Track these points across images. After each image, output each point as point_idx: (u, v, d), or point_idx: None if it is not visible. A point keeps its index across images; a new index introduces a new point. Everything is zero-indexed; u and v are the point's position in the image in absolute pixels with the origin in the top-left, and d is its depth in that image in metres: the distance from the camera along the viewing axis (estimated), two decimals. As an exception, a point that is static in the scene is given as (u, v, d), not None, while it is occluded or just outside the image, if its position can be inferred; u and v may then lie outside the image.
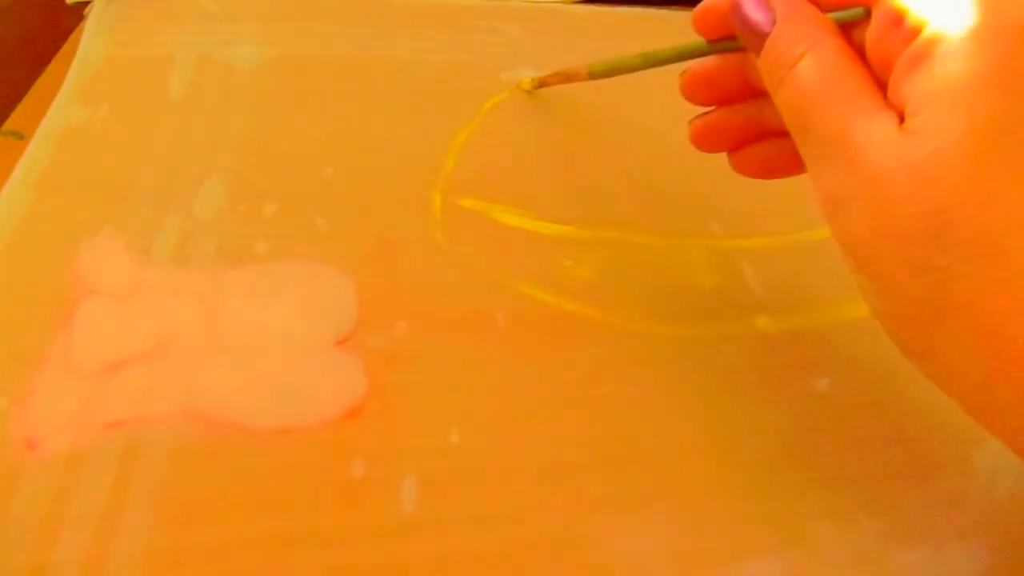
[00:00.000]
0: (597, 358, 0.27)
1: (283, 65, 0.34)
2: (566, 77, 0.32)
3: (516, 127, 0.34)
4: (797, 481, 0.24)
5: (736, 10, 0.21)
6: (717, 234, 0.31)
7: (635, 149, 0.34)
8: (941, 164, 0.16)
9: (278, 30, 0.36)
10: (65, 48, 0.36)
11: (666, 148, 0.34)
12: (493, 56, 0.36)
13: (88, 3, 0.37)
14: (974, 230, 0.16)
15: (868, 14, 0.19)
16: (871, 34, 0.19)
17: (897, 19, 0.18)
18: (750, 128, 0.24)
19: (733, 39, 0.22)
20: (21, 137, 0.31)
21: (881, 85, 0.19)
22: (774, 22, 0.20)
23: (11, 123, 0.32)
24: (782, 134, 0.22)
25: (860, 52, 0.19)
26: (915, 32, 0.17)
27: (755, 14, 0.20)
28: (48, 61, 0.35)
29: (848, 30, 0.20)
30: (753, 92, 0.24)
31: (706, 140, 0.25)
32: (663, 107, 0.35)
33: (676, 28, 0.39)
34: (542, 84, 0.34)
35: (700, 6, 0.23)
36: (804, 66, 0.19)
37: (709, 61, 0.24)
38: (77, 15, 0.37)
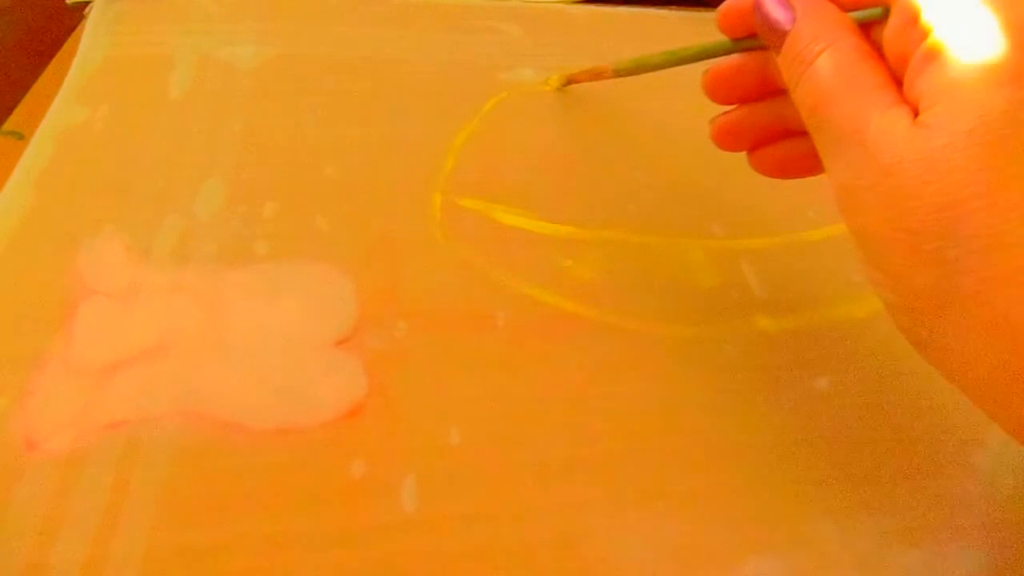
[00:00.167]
0: (597, 358, 0.27)
1: (283, 65, 0.34)
2: (594, 75, 0.33)
3: (516, 127, 0.34)
4: (797, 481, 0.24)
5: (758, 8, 0.21)
6: (717, 234, 0.31)
7: (635, 149, 0.34)
8: (951, 157, 0.17)
9: (278, 30, 0.36)
10: (65, 48, 0.36)
11: (666, 148, 0.34)
12: (493, 56, 0.36)
13: (88, 3, 0.37)
14: (982, 222, 0.16)
15: (887, 14, 0.20)
16: (888, 31, 0.19)
17: (914, 17, 0.18)
18: (770, 127, 0.25)
19: (756, 37, 0.23)
20: (21, 137, 0.31)
21: (898, 81, 0.19)
22: (795, 20, 0.21)
23: (11, 123, 0.32)
24: (801, 133, 0.22)
25: (878, 50, 0.20)
26: (930, 29, 0.18)
27: (776, 12, 0.21)
28: (48, 61, 0.35)
29: (867, 29, 0.20)
30: (774, 91, 0.24)
31: (727, 139, 0.26)
32: (663, 107, 0.35)
33: (675, 28, 0.39)
34: (570, 82, 0.34)
35: (724, 5, 0.23)
36: (822, 62, 0.19)
37: (731, 60, 0.24)
38: (77, 15, 0.37)
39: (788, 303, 0.29)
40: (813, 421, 0.26)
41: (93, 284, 0.26)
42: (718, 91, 0.25)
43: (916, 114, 0.18)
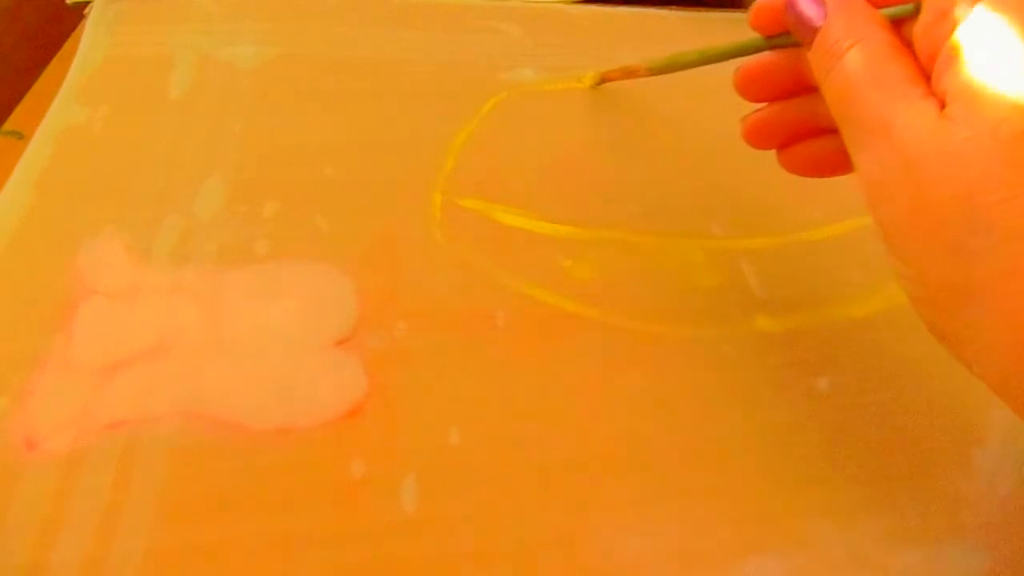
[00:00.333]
0: (597, 358, 0.27)
1: (283, 65, 0.34)
2: (626, 73, 0.33)
3: (516, 127, 0.34)
4: (797, 481, 0.24)
5: (790, 5, 0.22)
6: (717, 234, 0.31)
7: (635, 149, 0.34)
8: (974, 150, 0.17)
9: (278, 30, 0.36)
10: (65, 48, 0.36)
11: (666, 148, 0.34)
12: (493, 56, 0.36)
13: (88, 3, 0.37)
14: (1002, 214, 0.17)
15: (918, 10, 0.20)
16: (919, 26, 0.20)
17: (944, 12, 0.19)
18: (801, 124, 0.25)
19: (788, 35, 0.23)
20: (21, 137, 0.31)
21: (927, 77, 0.19)
22: (826, 16, 0.21)
23: (11, 123, 0.33)
24: (831, 131, 0.22)
25: (909, 46, 0.20)
26: (959, 25, 0.18)
27: (808, 8, 0.21)
28: (48, 61, 0.35)
29: (898, 25, 0.21)
30: (805, 88, 0.24)
31: (758, 136, 0.26)
32: (663, 107, 0.35)
33: (675, 28, 0.39)
34: (604, 80, 0.35)
35: (757, 3, 0.24)
36: (852, 56, 0.20)
37: (763, 57, 0.25)
38: (77, 15, 0.37)
39: (788, 303, 0.29)
40: (813, 421, 0.26)
41: (93, 284, 0.26)
42: (750, 88, 0.25)
43: (943, 108, 0.18)
